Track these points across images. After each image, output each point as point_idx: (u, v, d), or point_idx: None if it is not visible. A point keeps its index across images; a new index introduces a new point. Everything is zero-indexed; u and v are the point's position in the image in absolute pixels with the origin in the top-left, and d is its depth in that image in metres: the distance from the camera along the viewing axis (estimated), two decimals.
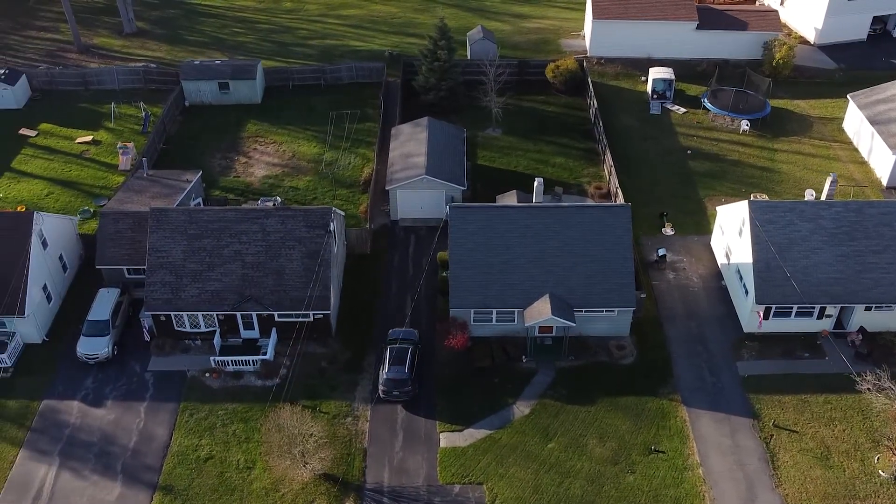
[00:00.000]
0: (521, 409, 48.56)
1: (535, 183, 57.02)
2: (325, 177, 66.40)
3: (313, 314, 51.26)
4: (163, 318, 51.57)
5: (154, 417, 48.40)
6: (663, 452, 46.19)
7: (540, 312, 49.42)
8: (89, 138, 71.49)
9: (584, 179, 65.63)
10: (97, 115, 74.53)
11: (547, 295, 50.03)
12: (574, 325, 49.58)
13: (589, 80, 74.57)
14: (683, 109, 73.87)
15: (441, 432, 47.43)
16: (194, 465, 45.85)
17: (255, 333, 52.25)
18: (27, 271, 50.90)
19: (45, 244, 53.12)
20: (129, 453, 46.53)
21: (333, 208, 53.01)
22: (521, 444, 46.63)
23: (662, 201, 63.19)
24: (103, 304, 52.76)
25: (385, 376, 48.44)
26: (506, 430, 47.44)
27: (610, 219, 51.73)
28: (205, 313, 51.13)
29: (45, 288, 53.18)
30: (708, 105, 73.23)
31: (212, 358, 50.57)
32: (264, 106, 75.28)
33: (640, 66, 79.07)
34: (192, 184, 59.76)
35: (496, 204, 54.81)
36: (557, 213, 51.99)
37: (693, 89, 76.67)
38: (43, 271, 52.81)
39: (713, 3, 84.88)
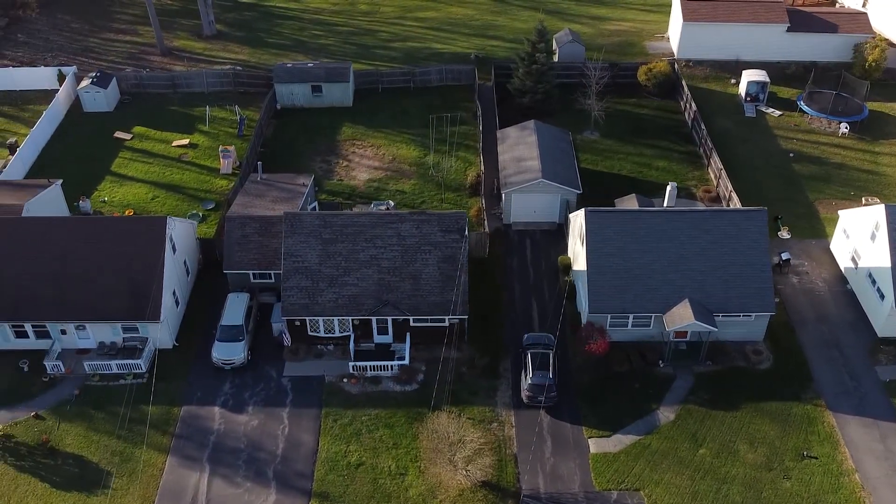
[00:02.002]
0: (666, 414, 48.32)
1: (669, 187, 56.81)
2: (430, 180, 66.14)
3: (449, 319, 51.02)
4: (297, 323, 51.31)
5: (298, 423, 48.14)
6: (816, 458, 45.96)
7: (681, 317, 49.18)
8: (186, 141, 71.24)
9: (690, 183, 65.37)
10: (189, 119, 74.31)
11: (686, 300, 49.79)
12: (716, 329, 49.34)
13: (683, 82, 74.32)
14: (779, 112, 73.63)
15: (589, 438, 47.20)
16: (346, 472, 45.59)
17: (388, 338, 52.01)
18: (162, 276, 50.68)
19: (174, 248, 52.88)
20: (278, 459, 46.26)
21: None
22: (671, 450, 46.38)
23: (771, 205, 62.84)
24: (235, 308, 52.51)
25: (530, 381, 48.19)
26: (654, 435, 47.21)
27: (746, 223, 51.50)
28: (340, 318, 50.89)
29: (174, 293, 52.94)
30: (805, 108, 72.97)
31: (350, 363, 50.31)
32: (356, 109, 75.03)
33: (729, 68, 78.88)
34: (308, 188, 59.52)
35: (632, 209, 54.50)
36: (694, 217, 51.75)
37: (784, 92, 76.48)
38: (173, 276, 52.57)
39: (792, 5, 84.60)
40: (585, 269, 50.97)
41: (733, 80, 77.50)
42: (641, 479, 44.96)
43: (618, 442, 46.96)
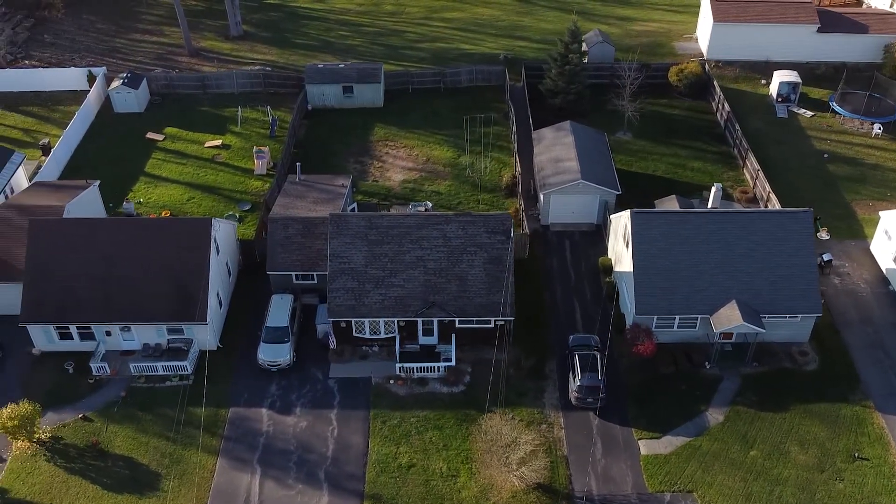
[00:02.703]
0: (714, 416, 48.24)
1: (714, 189, 56.67)
2: (465, 181, 66.07)
3: (495, 320, 50.94)
4: (342, 325, 51.23)
5: (346, 425, 48.05)
6: (867, 460, 45.89)
7: (729, 319, 49.10)
8: (218, 142, 71.17)
9: (725, 184, 65.22)
10: (220, 119, 74.24)
11: (733, 301, 49.70)
12: (764, 331, 49.27)
13: (716, 83, 74.24)
14: (811, 113, 73.56)
15: (639, 439, 47.13)
16: (397, 474, 45.51)
17: (433, 340, 51.92)
18: (208, 277, 50.60)
19: (217, 250, 52.79)
20: (328, 461, 46.17)
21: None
22: (722, 452, 46.30)
23: (809, 206, 62.57)
24: (280, 310, 52.42)
25: (579, 383, 48.12)
26: (704, 437, 47.12)
27: (792, 224, 51.41)
28: (386, 320, 50.82)
29: (217, 294, 52.85)
30: (837, 108, 72.91)
31: (397, 364, 50.22)
32: (387, 109, 74.93)
33: (758, 68, 78.80)
34: (348, 189, 59.44)
35: (679, 210, 54.42)
36: (739, 218, 51.67)
37: (814, 92, 76.40)
38: (217, 277, 52.46)
39: (819, 6, 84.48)
40: (631, 270, 50.89)
41: (763, 81, 77.42)
42: (694, 481, 44.88)
43: (668, 443, 46.88)
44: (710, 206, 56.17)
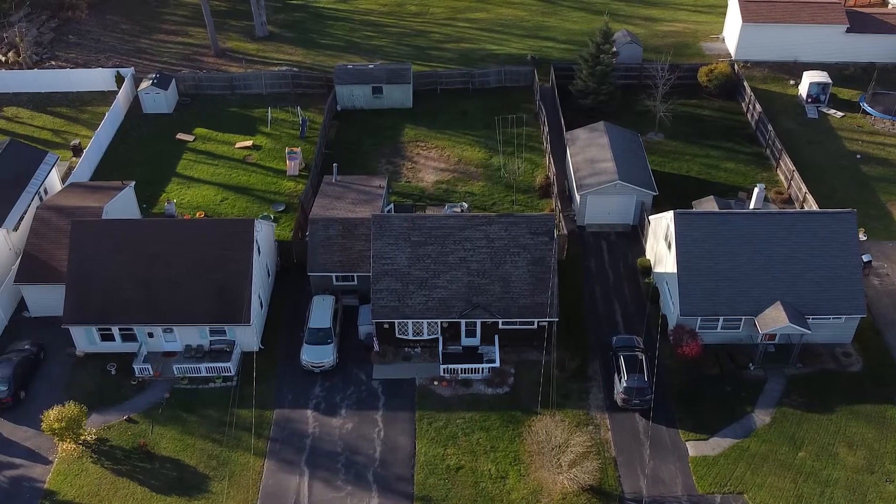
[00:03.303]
0: (761, 417, 48.12)
1: (756, 189, 56.60)
2: (498, 182, 65.98)
3: (538, 322, 50.83)
4: (385, 326, 51.13)
5: (392, 426, 47.94)
6: None
7: (775, 320, 48.98)
8: (249, 143, 71.06)
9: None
10: (249, 120, 74.15)
11: (778, 302, 49.60)
12: (810, 332, 49.16)
13: (746, 84, 74.14)
14: (841, 113, 73.48)
15: (686, 441, 47.02)
16: (446, 475, 45.39)
17: (476, 341, 51.82)
18: (251, 278, 50.49)
19: (258, 250, 52.69)
20: (376, 463, 46.06)
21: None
22: (771, 453, 46.18)
23: (845, 207, 62.63)
24: (322, 311, 52.30)
25: (625, 385, 48.01)
26: (751, 438, 47.00)
27: (835, 225, 51.32)
28: (430, 321, 50.70)
29: (258, 295, 52.73)
30: (868, 109, 72.82)
31: (441, 366, 50.12)
32: (416, 110, 74.85)
33: (787, 69, 78.72)
34: (384, 189, 59.34)
35: (721, 211, 54.29)
36: (783, 219, 51.57)
37: (843, 93, 76.31)
38: (258, 278, 52.36)
39: (844, 6, 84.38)
40: (674, 271, 50.80)
41: (792, 82, 77.33)
42: (744, 483, 44.76)
43: (716, 445, 46.76)
44: (752, 206, 55.99)
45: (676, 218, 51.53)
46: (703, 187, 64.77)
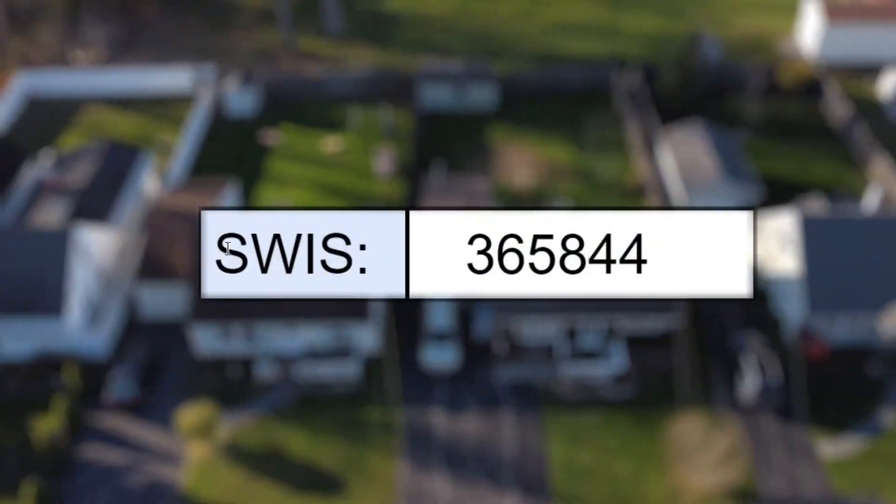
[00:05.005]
0: (891, 417, 48.14)
1: (874, 190, 56.43)
2: (590, 181, 66.01)
3: (663, 323, 50.82)
4: (508, 327, 51.11)
5: (520, 427, 48.01)
6: None
7: None
8: (337, 143, 71.06)
9: (849, 186, 65.11)
10: (334, 120, 74.14)
11: None
12: None
13: (828, 84, 74.06)
14: None
15: (818, 441, 47.03)
16: (582, 476, 45.47)
17: (601, 342, 51.75)
18: None
19: None
20: (510, 463, 46.14)
21: None
22: None
23: None
24: (443, 312, 52.30)
25: (754, 385, 48.00)
26: (885, 438, 47.03)
27: None
28: (553, 322, 50.71)
29: None
30: None
31: (565, 367, 50.10)
32: (499, 110, 74.80)
33: (870, 69, 78.52)
34: (489, 189, 59.37)
35: (845, 213, 54.10)
36: None
37: None
38: None
39: None
40: (795, 272, 50.81)
41: (875, 82, 77.22)
42: (881, 482, 44.80)
43: (847, 445, 46.79)
44: (869, 207, 55.85)
45: (800, 219, 51.46)
46: (795, 187, 64.61)
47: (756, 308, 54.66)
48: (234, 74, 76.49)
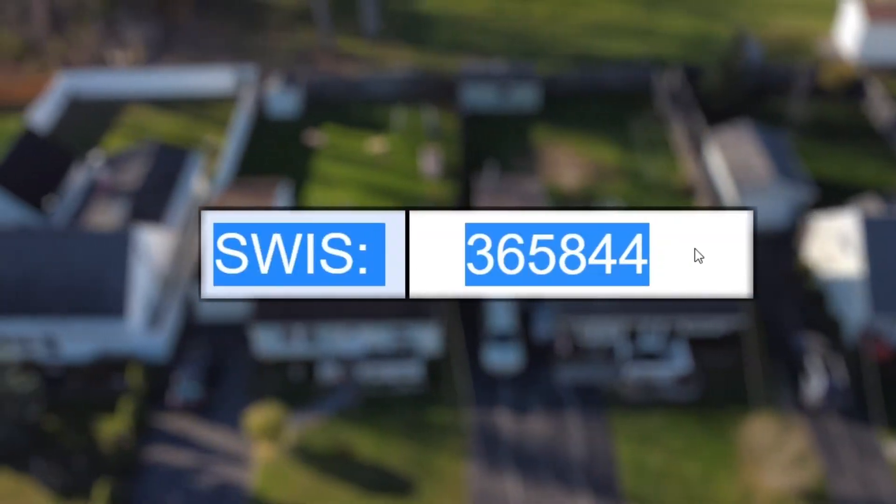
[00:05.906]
0: None
1: None
2: (637, 182, 65.98)
3: (726, 323, 50.77)
4: (570, 328, 51.06)
5: (588, 428, 47.98)
6: None
7: None
8: (381, 144, 71.01)
9: None
10: (377, 121, 74.07)
11: None
12: None
13: (871, 85, 74.05)
14: None
15: (887, 443, 46.98)
16: (652, 477, 45.44)
17: (663, 343, 51.69)
18: None
19: None
20: (579, 464, 46.13)
21: None
22: None
23: None
24: (504, 313, 52.24)
25: (821, 386, 47.94)
26: None
27: None
28: (616, 322, 50.67)
29: None
30: None
31: (629, 368, 50.05)
32: (542, 111, 74.72)
33: None
34: (541, 190, 59.34)
35: None
36: None
37: None
38: None
39: None
40: (857, 275, 50.80)
41: None
42: None
43: None
44: None
45: (862, 221, 51.42)
46: (841, 187, 64.57)
47: (814, 309, 54.71)
48: (276, 75, 76.43)
